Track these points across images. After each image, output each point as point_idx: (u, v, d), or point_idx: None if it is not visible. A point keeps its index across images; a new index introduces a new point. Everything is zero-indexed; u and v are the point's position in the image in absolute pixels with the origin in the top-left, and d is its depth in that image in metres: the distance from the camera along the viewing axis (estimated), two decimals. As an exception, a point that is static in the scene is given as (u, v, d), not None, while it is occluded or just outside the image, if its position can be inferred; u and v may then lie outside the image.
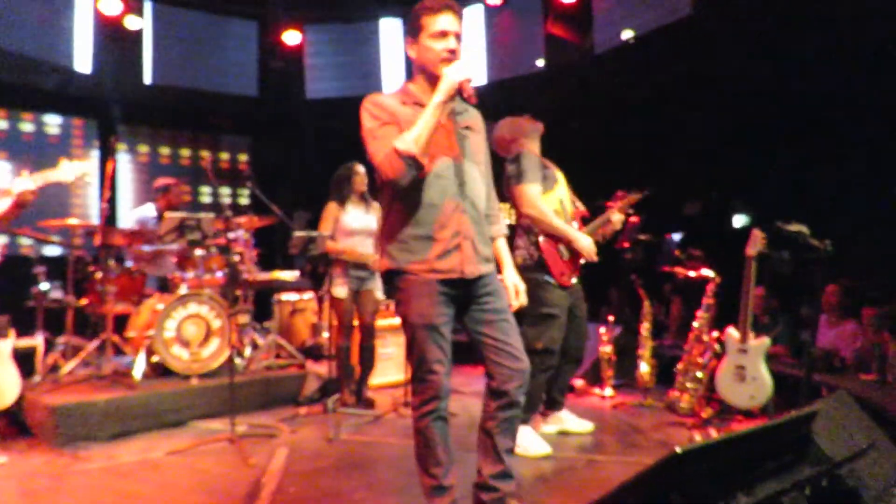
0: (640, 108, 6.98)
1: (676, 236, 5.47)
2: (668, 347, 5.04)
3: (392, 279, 2.23)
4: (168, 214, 4.32)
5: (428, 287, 2.14)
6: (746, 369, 3.72)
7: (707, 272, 4.11)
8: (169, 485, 2.90)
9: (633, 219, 4.77)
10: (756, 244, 3.76)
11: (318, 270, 5.33)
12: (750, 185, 6.61)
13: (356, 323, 4.63)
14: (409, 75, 2.34)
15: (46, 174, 3.02)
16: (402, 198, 2.16)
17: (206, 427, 3.90)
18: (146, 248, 4.78)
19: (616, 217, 3.62)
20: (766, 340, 3.75)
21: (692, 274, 4.20)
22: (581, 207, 3.59)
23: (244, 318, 4.42)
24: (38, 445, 3.52)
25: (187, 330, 4.29)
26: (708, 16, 5.47)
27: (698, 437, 3.44)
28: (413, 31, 2.17)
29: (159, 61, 6.43)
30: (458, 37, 2.14)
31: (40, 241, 4.93)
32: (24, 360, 4.33)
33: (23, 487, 2.90)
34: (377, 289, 4.53)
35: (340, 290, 4.28)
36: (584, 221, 3.59)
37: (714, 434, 3.51)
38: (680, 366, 4.13)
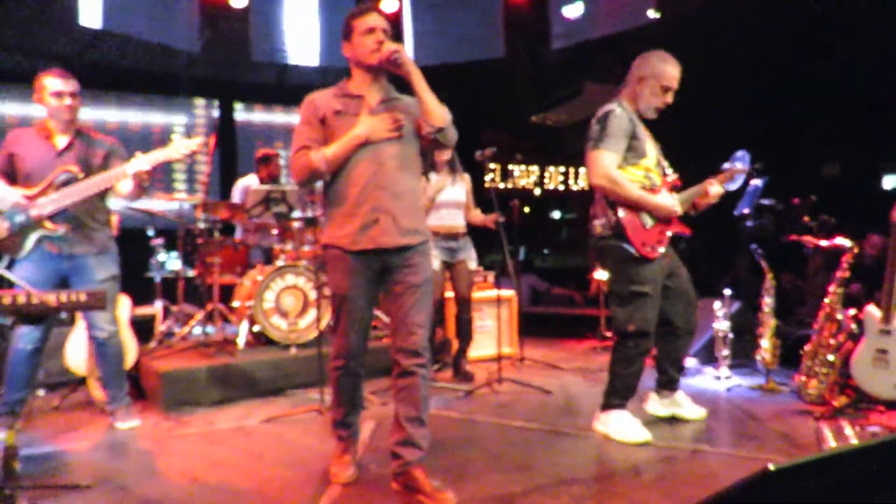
0: (769, 58, 6.26)
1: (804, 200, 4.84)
2: (796, 325, 4.50)
3: (323, 254, 2.51)
4: (255, 187, 4.39)
5: (343, 261, 2.39)
6: (890, 354, 3.21)
7: (842, 241, 3.57)
8: (256, 454, 2.95)
9: (755, 181, 4.28)
10: (905, 208, 3.20)
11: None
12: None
13: (450, 295, 4.53)
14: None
15: (158, 153, 3.11)
16: (330, 180, 2.43)
17: (302, 396, 3.97)
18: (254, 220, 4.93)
19: (714, 189, 3.15)
20: (915, 321, 3.21)
21: (824, 244, 3.67)
22: (673, 176, 3.15)
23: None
24: (151, 408, 3.74)
25: (285, 301, 4.38)
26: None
27: (828, 432, 3.00)
28: (346, 34, 2.43)
29: (263, 38, 6.57)
30: (384, 31, 2.38)
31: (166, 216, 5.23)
32: (144, 327, 4.65)
33: (126, 449, 3.07)
34: (470, 259, 4.39)
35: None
36: (677, 192, 3.16)
37: (848, 428, 3.06)
38: (808, 347, 3.65)
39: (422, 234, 2.47)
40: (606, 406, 3.11)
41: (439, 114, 2.39)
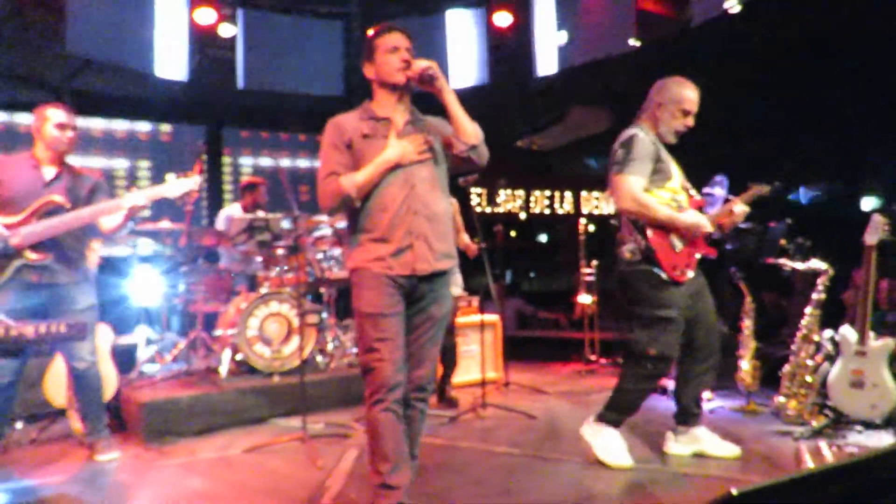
0: (746, 84, 6.40)
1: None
2: (777, 347, 4.55)
3: (351, 277, 2.36)
4: (238, 216, 4.41)
5: (377, 279, 2.24)
6: (866, 375, 3.25)
7: (817, 264, 3.63)
8: (238, 484, 2.93)
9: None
10: (877, 231, 3.27)
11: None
12: (883, 165, 5.91)
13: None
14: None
15: (156, 190, 3.14)
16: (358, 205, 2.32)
17: (285, 424, 3.94)
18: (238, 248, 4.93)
19: (739, 209, 3.13)
20: (890, 342, 3.26)
21: (800, 266, 3.73)
22: (697, 197, 3.15)
23: (314, 319, 4.42)
24: (131, 439, 3.70)
25: (269, 328, 4.37)
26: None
27: (806, 452, 3.03)
28: (369, 53, 2.36)
29: (250, 66, 6.65)
30: (408, 50, 2.33)
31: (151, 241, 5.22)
32: (126, 356, 4.61)
33: (105, 482, 3.03)
34: (455, 284, 4.40)
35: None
36: (702, 212, 3.14)
37: (826, 448, 3.09)
38: (787, 368, 3.69)
39: (452, 257, 2.39)
40: (602, 418, 3.06)
41: (472, 131, 2.33)
